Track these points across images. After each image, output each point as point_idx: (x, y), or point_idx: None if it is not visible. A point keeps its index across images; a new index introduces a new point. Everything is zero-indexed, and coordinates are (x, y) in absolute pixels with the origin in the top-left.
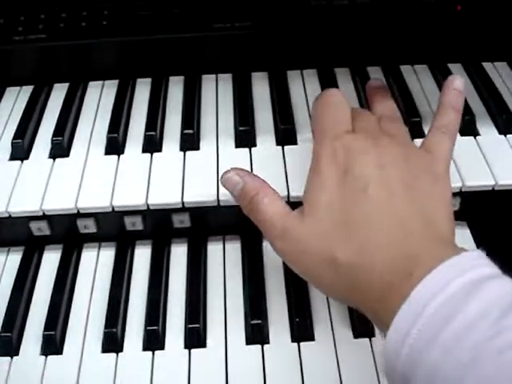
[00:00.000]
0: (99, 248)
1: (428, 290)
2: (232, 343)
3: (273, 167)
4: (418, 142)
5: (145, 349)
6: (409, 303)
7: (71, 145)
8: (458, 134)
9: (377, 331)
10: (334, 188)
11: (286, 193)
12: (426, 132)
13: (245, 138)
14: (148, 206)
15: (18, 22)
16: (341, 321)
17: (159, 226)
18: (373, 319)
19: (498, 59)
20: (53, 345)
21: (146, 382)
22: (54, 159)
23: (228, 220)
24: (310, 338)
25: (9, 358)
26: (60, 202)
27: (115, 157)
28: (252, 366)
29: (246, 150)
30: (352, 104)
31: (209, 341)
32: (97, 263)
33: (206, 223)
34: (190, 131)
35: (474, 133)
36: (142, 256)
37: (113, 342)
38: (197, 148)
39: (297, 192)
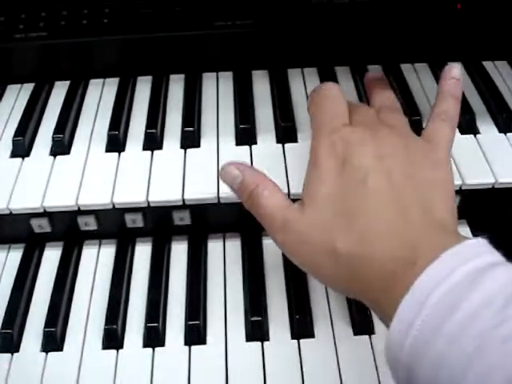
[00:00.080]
0: (100, 245)
1: (431, 279)
2: (232, 340)
3: (273, 165)
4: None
5: (145, 345)
6: (412, 293)
7: (72, 142)
8: (458, 133)
9: (376, 328)
10: (332, 180)
11: (286, 190)
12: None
13: (245, 135)
14: (148, 203)
15: (19, 20)
16: (341, 318)
17: (160, 223)
18: (374, 309)
19: (498, 58)
20: (53, 341)
21: (146, 378)
22: (55, 157)
23: (228, 217)
24: (310, 334)
25: (9, 354)
26: (61, 199)
27: (116, 154)
28: (252, 362)
29: (247, 147)
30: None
31: (209, 338)
32: (97, 260)
33: (207, 220)
34: (191, 129)
35: (474, 131)
36: (143, 253)
37: (113, 339)
38: (197, 145)
39: (297, 189)
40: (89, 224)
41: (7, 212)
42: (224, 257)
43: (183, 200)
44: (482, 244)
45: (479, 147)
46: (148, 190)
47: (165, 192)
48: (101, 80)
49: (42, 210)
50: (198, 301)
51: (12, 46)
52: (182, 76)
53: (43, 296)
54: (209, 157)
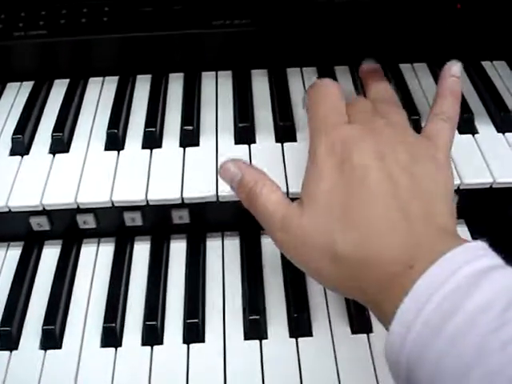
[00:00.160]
0: (98, 243)
1: (430, 282)
2: (230, 338)
3: (272, 164)
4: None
5: (144, 344)
6: (411, 296)
7: (71, 140)
8: (457, 132)
9: (375, 327)
10: (332, 178)
11: (285, 189)
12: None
13: (244, 134)
14: (147, 201)
15: (19, 18)
16: (339, 316)
17: (158, 221)
18: (374, 311)
19: (497, 58)
20: (52, 339)
21: (144, 376)
22: (54, 155)
23: (227, 216)
24: (308, 333)
25: (8, 352)
26: (60, 197)
27: (115, 152)
28: (250, 361)
29: (246, 146)
30: (349, 100)
31: (207, 336)
32: (96, 259)
33: (205, 219)
34: (190, 127)
35: (473, 131)
36: (142, 252)
37: (112, 337)
38: (196, 144)
39: (296, 188)
40: (88, 222)
41: (6, 210)
42: (223, 255)
43: (182, 199)
44: (481, 247)
45: (477, 147)
46: (147, 189)
47: (164, 190)
48: (100, 78)
49: (41, 208)
50: (197, 299)
51: (12, 44)
52: (181, 75)
53: (42, 294)
54: (208, 155)
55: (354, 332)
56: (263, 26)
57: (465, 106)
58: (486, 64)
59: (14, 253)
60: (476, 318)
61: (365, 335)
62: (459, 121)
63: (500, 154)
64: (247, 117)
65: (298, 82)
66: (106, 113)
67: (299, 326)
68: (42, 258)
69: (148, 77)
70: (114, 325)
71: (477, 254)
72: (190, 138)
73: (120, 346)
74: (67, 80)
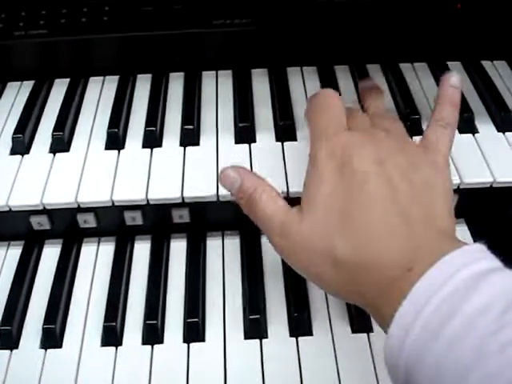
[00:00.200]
0: (99, 243)
1: (429, 285)
2: (230, 338)
3: (272, 163)
4: (418, 139)
5: (144, 343)
6: (410, 299)
7: (72, 140)
8: (457, 132)
9: (375, 326)
10: (332, 182)
11: (285, 189)
12: (424, 129)
13: (244, 133)
14: (148, 200)
15: (19, 18)
16: (339, 316)
17: (159, 221)
18: (373, 314)
19: (497, 58)
20: (52, 338)
21: (145, 376)
22: (55, 154)
23: (227, 215)
24: (308, 332)
25: (9, 351)
26: (60, 196)
27: (115, 152)
28: (250, 360)
29: (246, 145)
30: (351, 101)
31: (207, 335)
32: (96, 258)
33: (206, 218)
34: (190, 127)
35: (473, 130)
36: (142, 251)
37: (112, 336)
38: (197, 143)
39: (296, 188)
40: (88, 221)
41: (6, 209)
42: (223, 255)
43: (182, 198)
44: (479, 250)
45: (478, 146)
46: (147, 188)
47: (164, 190)
48: (100, 78)
49: (41, 207)
50: (197, 298)
51: (12, 44)
52: (182, 74)
53: (42, 293)
54: (208, 155)
55: (354, 331)
56: (263, 25)
57: (465, 106)
58: (486, 64)
59: (14, 252)
60: (474, 320)
61: (365, 334)
62: (459, 120)
63: (500, 153)
64: (247, 116)
65: (298, 81)
66: (107, 112)
67: (299, 325)
68: (43, 257)
69: (148, 76)
70: (114, 324)
71: (475, 257)
72: (190, 138)
73: (120, 345)
74: (67, 79)
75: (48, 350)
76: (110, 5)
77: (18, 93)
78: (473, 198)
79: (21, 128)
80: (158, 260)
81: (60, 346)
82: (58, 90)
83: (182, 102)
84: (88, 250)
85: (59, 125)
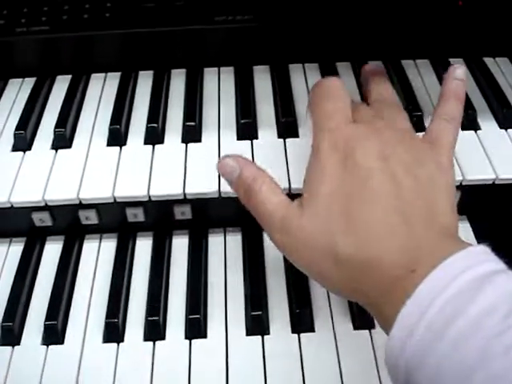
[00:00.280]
0: (101, 239)
1: (433, 287)
2: (232, 334)
3: (274, 160)
4: (420, 136)
5: (146, 339)
6: (413, 301)
7: (73, 136)
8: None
9: (376, 323)
10: (334, 174)
11: (287, 185)
12: (427, 126)
13: (246, 130)
14: (150, 197)
15: (21, 14)
16: (341, 312)
17: (161, 217)
18: (374, 313)
19: (499, 55)
20: (54, 335)
21: (146, 372)
22: (57, 150)
23: (229, 212)
24: (310, 329)
25: (10, 347)
26: (62, 192)
27: (117, 148)
28: (252, 356)
29: (248, 142)
30: (353, 98)
31: (209, 331)
32: (98, 254)
33: (207, 215)
34: (192, 123)
35: (475, 127)
36: (144, 248)
37: (114, 333)
38: (199, 140)
39: (298, 184)
40: (90, 218)
41: (8, 205)
42: (225, 251)
43: (184, 194)
44: (483, 252)
45: (480, 143)
46: (149, 184)
47: (166, 186)
48: (102, 74)
49: (43, 204)
50: (199, 295)
51: (14, 40)
52: (184, 71)
53: (44, 290)
54: (210, 151)
55: (356, 328)
56: (265, 21)
57: (467, 103)
58: (488, 60)
59: (16, 248)
60: (480, 321)
61: (367, 331)
62: (462, 117)
63: (502, 150)
64: (249, 113)
65: (300, 78)
66: (109, 108)
67: (301, 321)
68: (44, 253)
69: (150, 73)
70: (116, 320)
71: (479, 259)
72: (192, 134)
73: (122, 341)
74: (69, 76)
75: (50, 347)
76: (111, 1)
77: (20, 89)
78: (475, 195)
79: (23, 124)
80: (160, 256)
81: (62, 343)
82: (60, 87)
83: (184, 99)
84: (90, 246)
85: (61, 121)
